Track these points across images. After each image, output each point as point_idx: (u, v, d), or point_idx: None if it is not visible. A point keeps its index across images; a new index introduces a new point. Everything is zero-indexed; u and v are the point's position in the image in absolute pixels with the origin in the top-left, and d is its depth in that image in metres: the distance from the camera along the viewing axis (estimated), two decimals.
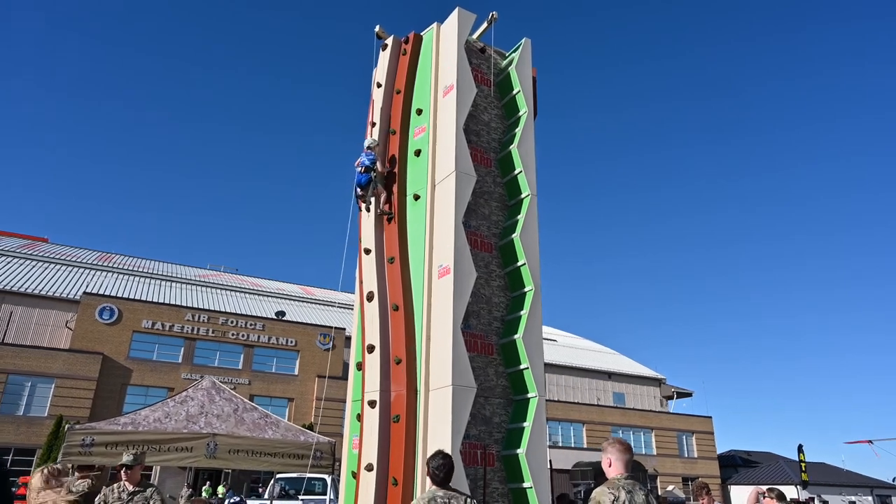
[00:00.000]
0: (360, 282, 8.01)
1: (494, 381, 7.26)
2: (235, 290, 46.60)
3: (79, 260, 44.28)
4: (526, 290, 7.52)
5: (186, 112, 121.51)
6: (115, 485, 5.56)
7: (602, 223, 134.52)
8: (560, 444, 42.11)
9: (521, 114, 8.53)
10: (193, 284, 45.51)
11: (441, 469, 4.06)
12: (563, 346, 55.51)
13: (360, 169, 8.06)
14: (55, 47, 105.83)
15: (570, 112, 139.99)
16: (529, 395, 7.00)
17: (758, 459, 49.70)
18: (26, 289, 36.27)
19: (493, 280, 7.77)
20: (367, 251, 7.99)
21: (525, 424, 6.79)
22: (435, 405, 6.65)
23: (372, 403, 6.95)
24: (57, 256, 43.57)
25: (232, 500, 9.86)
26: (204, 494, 25.54)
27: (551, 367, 48.96)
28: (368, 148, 8.22)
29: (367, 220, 8.26)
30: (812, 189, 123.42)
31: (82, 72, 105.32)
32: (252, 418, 8.28)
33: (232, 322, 37.62)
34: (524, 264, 7.56)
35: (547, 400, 42.12)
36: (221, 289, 46.20)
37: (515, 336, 7.17)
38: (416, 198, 7.97)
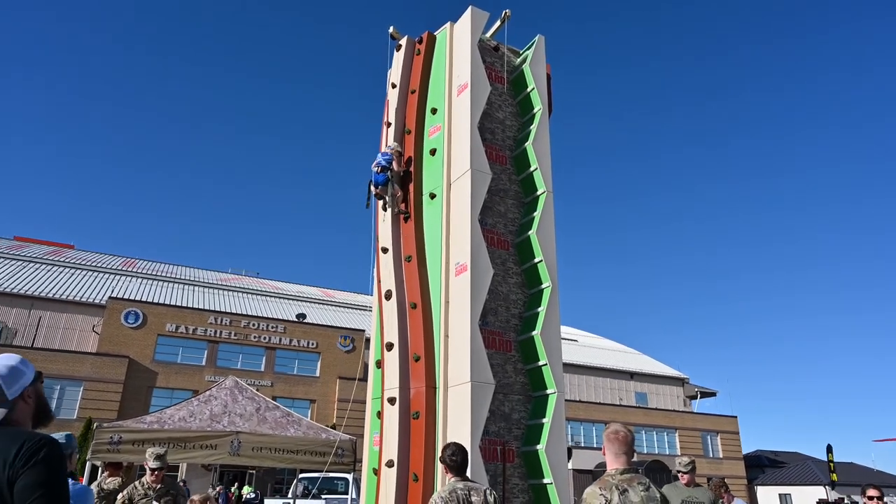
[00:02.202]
0: (378, 280, 8.09)
1: (513, 377, 7.28)
2: (257, 294, 47.13)
3: (104, 266, 45.10)
4: (543, 286, 7.53)
5: (205, 116, 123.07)
6: (139, 482, 5.69)
7: (626, 224, 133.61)
8: (582, 445, 41.88)
9: (535, 111, 8.55)
10: (216, 288, 46.12)
11: (456, 455, 4.08)
12: (584, 346, 55.23)
13: (376, 168, 8.15)
14: (74, 49, 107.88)
15: (594, 110, 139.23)
16: (548, 392, 7.01)
17: (785, 460, 48.92)
18: (54, 294, 37.06)
19: (510, 277, 7.79)
20: (385, 250, 8.06)
21: (544, 420, 6.80)
22: (454, 401, 6.69)
23: (392, 400, 7.02)
24: (83, 262, 44.44)
25: (249, 497, 9.98)
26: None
27: (573, 368, 48.74)
28: (387, 148, 8.31)
29: (384, 220, 8.34)
30: (841, 188, 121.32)
31: (103, 76, 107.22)
32: (274, 417, 8.40)
33: (254, 325, 38.05)
34: (541, 261, 7.57)
35: (568, 400, 41.95)
36: (243, 292, 46.75)
37: (533, 332, 7.18)
38: (432, 196, 8.03)
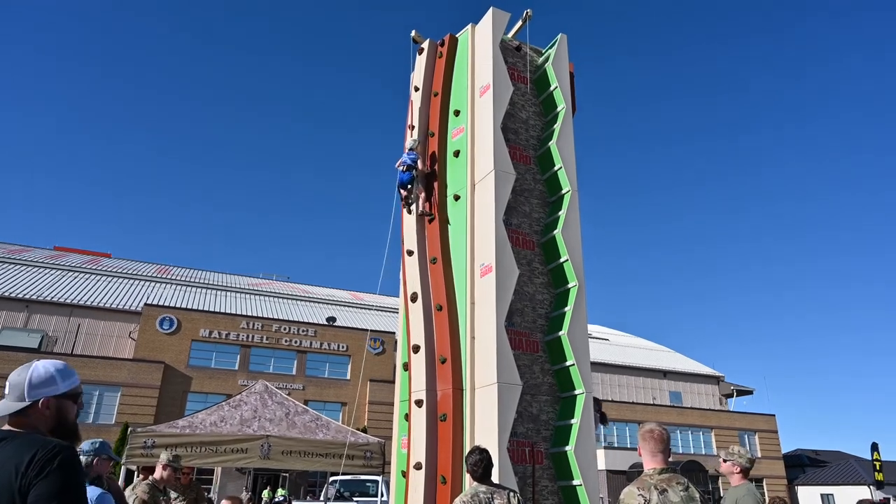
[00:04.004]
0: (404, 283, 8.10)
1: (540, 378, 7.23)
2: (287, 298, 47.67)
3: (139, 273, 46.12)
4: (570, 286, 7.46)
5: (237, 120, 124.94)
6: (159, 484, 5.79)
7: (659, 218, 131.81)
8: (616, 445, 41.41)
9: (559, 110, 8.48)
10: (247, 293, 46.79)
11: (479, 465, 4.05)
12: (616, 345, 54.63)
13: (401, 168, 8.17)
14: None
15: (623, 103, 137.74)
16: (576, 392, 6.94)
17: (826, 459, 47.66)
18: (92, 302, 37.99)
19: (536, 277, 7.74)
20: (410, 252, 8.08)
21: (573, 421, 6.73)
22: (481, 403, 6.67)
23: (419, 403, 7.02)
24: (119, 270, 45.50)
25: (278, 499, 10.08)
26: (265, 498, 26.13)
27: (604, 367, 48.23)
28: (410, 149, 8.33)
29: (409, 222, 8.35)
30: (885, 176, 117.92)
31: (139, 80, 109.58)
32: (303, 421, 8.48)
33: (285, 329, 38.48)
34: (567, 260, 7.51)
35: (600, 400, 41.46)
36: (274, 297, 47.33)
37: (560, 333, 7.12)
38: (457, 198, 8.02)
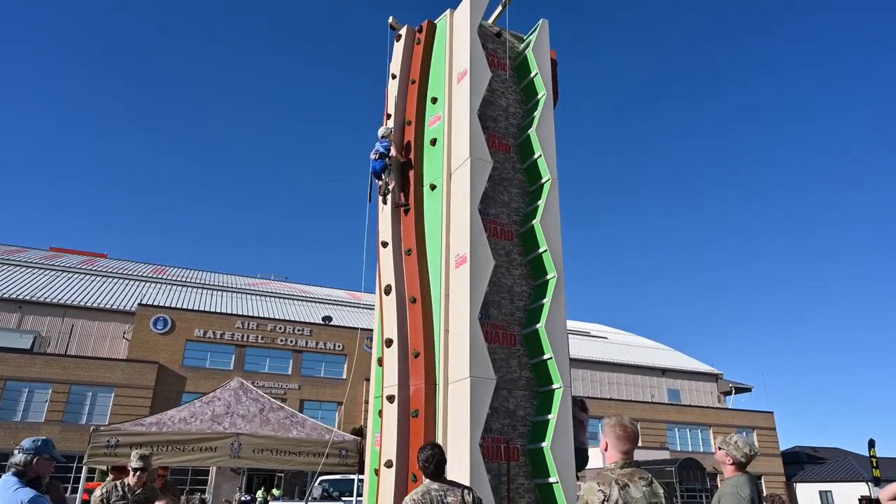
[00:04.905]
0: (380, 276, 7.86)
1: (518, 372, 6.98)
2: (284, 298, 47.42)
3: (135, 273, 45.86)
4: (548, 277, 7.22)
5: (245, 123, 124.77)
6: (119, 482, 5.53)
7: (657, 217, 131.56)
8: None
9: (539, 97, 8.23)
10: (243, 293, 46.54)
11: (430, 461, 3.81)
12: (614, 343, 54.40)
13: (374, 156, 7.93)
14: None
15: (623, 103, 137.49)
16: (554, 387, 6.70)
17: (825, 456, 47.40)
18: (86, 302, 37.74)
19: (515, 269, 7.49)
20: (385, 244, 7.83)
21: (550, 417, 6.49)
22: (454, 398, 6.42)
23: (391, 398, 6.78)
24: (115, 271, 45.25)
25: (243, 499, 9.84)
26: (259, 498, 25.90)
27: (603, 365, 48.02)
28: (382, 136, 8.08)
29: (384, 213, 8.11)
30: (883, 175, 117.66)
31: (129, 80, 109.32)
32: (277, 418, 8.23)
33: (280, 328, 38.23)
34: (546, 251, 7.26)
35: (599, 398, 41.35)
36: (271, 296, 47.07)
37: (538, 325, 6.88)
38: (433, 188, 7.78)
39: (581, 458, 6.96)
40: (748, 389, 51.66)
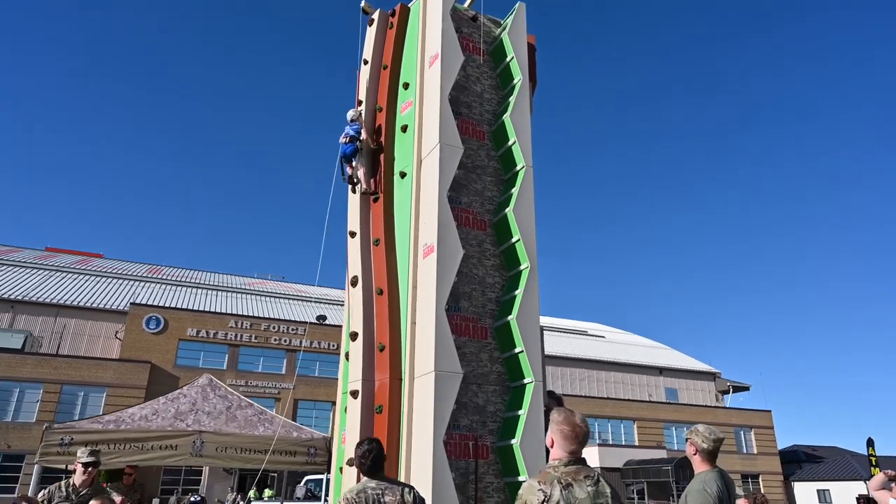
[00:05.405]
0: (349, 267, 7.58)
1: (489, 366, 6.70)
2: (279, 297, 47.11)
3: (130, 273, 45.56)
4: (521, 268, 6.93)
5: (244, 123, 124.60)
6: (63, 482, 5.23)
7: (655, 217, 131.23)
8: (610, 442, 40.83)
9: (515, 82, 7.95)
10: (238, 292, 46.23)
11: (366, 457, 3.53)
12: (612, 342, 54.08)
13: (344, 140, 7.63)
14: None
15: (623, 103, 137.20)
16: (525, 381, 6.41)
17: (823, 454, 47.09)
18: (79, 302, 37.44)
19: (487, 259, 7.21)
20: (353, 234, 7.55)
21: (520, 413, 6.20)
22: (419, 393, 6.14)
23: (354, 394, 6.50)
24: (109, 270, 44.94)
25: (192, 500, 9.56)
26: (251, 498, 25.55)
27: (600, 364, 47.72)
28: (352, 120, 7.80)
29: (353, 202, 7.82)
30: (881, 174, 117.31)
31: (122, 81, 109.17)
32: (245, 415, 7.95)
33: (274, 327, 37.94)
34: (518, 241, 6.97)
35: (596, 397, 40.86)
36: (266, 296, 46.76)
37: (509, 317, 6.59)
38: (403, 175, 7.50)
39: None
40: (746, 388, 51.34)
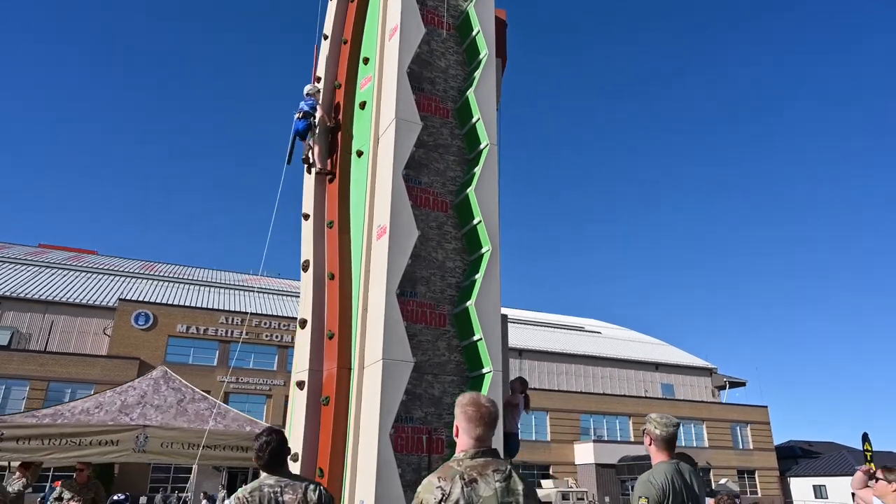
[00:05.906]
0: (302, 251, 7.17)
1: (447, 356, 6.28)
2: (272, 293, 46.67)
3: (122, 269, 45.11)
4: (483, 251, 6.51)
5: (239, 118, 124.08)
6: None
7: (650, 211, 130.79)
8: (605, 439, 40.47)
9: (481, 57, 7.51)
10: (231, 289, 45.78)
11: (263, 450, 3.13)
12: (607, 338, 53.70)
13: (298, 115, 7.21)
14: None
15: (616, 96, 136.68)
16: (484, 371, 6.00)
17: (819, 450, 46.75)
18: (68, 299, 37.02)
19: (448, 242, 6.78)
20: (306, 216, 7.13)
21: None
22: (367, 383, 5.73)
23: (300, 385, 6.09)
24: (100, 267, 44.49)
25: (115, 498, 9.17)
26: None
27: (596, 360, 47.37)
28: (308, 94, 7.37)
29: (307, 183, 7.40)
30: (876, 168, 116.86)
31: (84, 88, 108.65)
32: (197, 409, 7.55)
33: (265, 324, 37.55)
34: (480, 222, 6.55)
35: (591, 393, 40.51)
36: (258, 292, 46.29)
37: (468, 303, 6.17)
38: (360, 154, 7.08)
39: (511, 445, 6.31)
40: (742, 384, 50.98)
